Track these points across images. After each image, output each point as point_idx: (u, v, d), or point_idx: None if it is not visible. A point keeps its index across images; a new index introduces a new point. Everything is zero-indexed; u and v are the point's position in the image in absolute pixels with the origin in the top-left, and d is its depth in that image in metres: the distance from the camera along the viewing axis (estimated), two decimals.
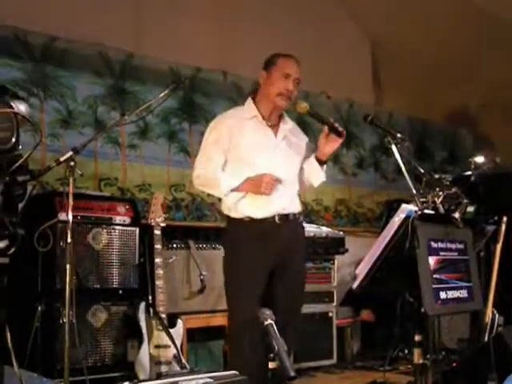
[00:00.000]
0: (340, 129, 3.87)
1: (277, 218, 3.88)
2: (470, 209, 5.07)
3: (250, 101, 4.04)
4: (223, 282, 4.03)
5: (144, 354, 4.67)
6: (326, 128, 3.91)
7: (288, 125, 4.09)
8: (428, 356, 4.24)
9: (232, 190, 3.85)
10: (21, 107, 2.87)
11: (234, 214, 3.93)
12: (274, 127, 4.00)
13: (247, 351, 3.76)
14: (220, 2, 6.90)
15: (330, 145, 3.94)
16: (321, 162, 4.00)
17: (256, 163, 3.88)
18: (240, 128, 3.90)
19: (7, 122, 2.77)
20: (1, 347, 3.25)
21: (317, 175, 4.07)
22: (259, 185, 3.76)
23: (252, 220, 3.87)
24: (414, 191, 3.97)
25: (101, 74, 5.97)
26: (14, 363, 3.15)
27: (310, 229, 6.13)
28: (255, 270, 3.82)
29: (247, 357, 3.74)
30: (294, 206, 4.01)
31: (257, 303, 3.80)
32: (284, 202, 3.92)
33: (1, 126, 2.74)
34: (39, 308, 4.57)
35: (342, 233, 6.35)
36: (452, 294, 4.04)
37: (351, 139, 7.98)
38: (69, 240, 3.70)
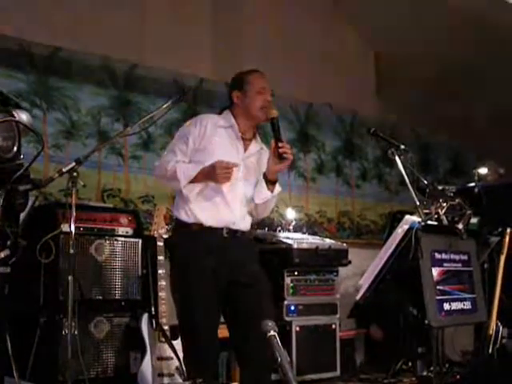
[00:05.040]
0: (284, 155, 3.74)
1: (224, 232, 3.82)
2: (474, 220, 5.07)
3: (228, 112, 4.00)
4: (171, 294, 3.98)
5: (147, 365, 4.65)
6: (273, 143, 3.83)
7: (258, 144, 4.04)
8: (432, 368, 4.22)
9: (190, 182, 3.81)
10: (22, 116, 2.87)
11: (183, 216, 3.85)
12: (247, 142, 3.98)
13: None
14: (223, 13, 6.92)
15: (275, 165, 3.81)
16: (268, 181, 3.87)
17: None
18: (213, 133, 3.87)
19: (9, 131, 2.77)
20: (2, 358, 3.24)
21: (259, 192, 3.89)
22: (214, 175, 3.71)
23: (200, 228, 3.80)
24: (418, 202, 3.96)
25: (104, 85, 5.98)
26: (15, 374, 3.14)
27: (313, 240, 6.12)
28: (205, 283, 3.74)
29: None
30: (244, 224, 3.93)
31: (209, 317, 3.79)
32: (235, 217, 3.85)
33: (2, 135, 2.74)
34: (41, 319, 4.57)
35: (345, 244, 6.32)
36: (456, 306, 4.03)
37: (354, 151, 7.99)
38: (71, 251, 3.69)
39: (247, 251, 3.97)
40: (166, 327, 4.74)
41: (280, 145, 3.76)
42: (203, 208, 3.82)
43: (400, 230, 3.86)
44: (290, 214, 6.87)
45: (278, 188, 3.93)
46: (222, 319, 3.95)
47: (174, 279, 3.97)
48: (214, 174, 3.70)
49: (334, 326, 6.01)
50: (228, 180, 3.74)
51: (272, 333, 2.86)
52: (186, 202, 3.84)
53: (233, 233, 3.86)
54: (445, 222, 4.28)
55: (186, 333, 3.92)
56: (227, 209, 3.84)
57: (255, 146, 4.02)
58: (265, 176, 3.86)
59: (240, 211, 3.89)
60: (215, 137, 3.87)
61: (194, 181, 3.78)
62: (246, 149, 3.95)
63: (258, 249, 4.20)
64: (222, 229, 3.82)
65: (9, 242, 2.89)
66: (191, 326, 3.81)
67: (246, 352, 3.84)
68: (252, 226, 4.09)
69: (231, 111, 3.99)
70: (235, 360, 4.86)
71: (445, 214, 4.27)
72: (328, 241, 6.29)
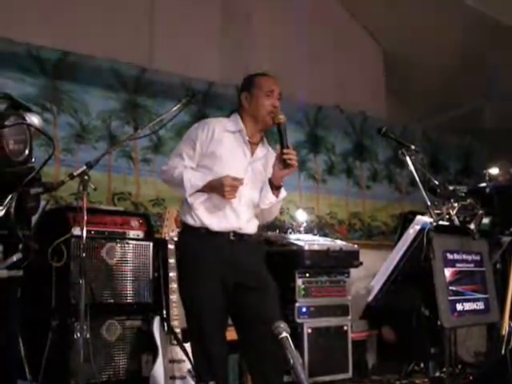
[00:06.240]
0: (288, 161, 3.74)
1: (231, 235, 3.82)
2: (486, 220, 5.04)
3: (237, 115, 3.98)
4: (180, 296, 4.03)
5: (158, 368, 4.65)
6: (278, 149, 3.81)
7: (265, 148, 4.03)
8: (444, 369, 4.20)
9: (197, 191, 3.81)
10: (34, 119, 2.88)
11: (190, 221, 3.86)
12: (253, 146, 3.97)
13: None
14: (232, 16, 6.92)
15: (280, 170, 3.80)
16: (273, 186, 3.85)
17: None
18: (220, 138, 3.86)
19: (20, 134, 2.77)
20: (15, 361, 3.25)
21: (264, 197, 3.88)
22: (221, 189, 3.71)
23: (207, 232, 3.81)
24: (429, 203, 3.95)
25: (114, 88, 5.99)
26: (28, 377, 3.15)
27: (325, 242, 6.11)
28: (212, 285, 3.75)
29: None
30: (251, 228, 3.93)
31: (217, 319, 3.78)
32: (241, 222, 3.85)
33: (14, 138, 2.75)
34: (53, 323, 4.57)
35: (356, 246, 6.31)
36: (468, 306, 4.02)
37: (365, 152, 7.98)
38: (83, 255, 3.69)
39: (254, 254, 3.97)
40: (177, 330, 4.73)
41: (285, 151, 3.74)
42: (209, 214, 3.83)
43: (412, 231, 3.85)
44: (301, 215, 6.86)
45: (283, 193, 3.92)
46: (231, 322, 3.95)
47: (181, 281, 3.98)
48: (221, 190, 3.71)
49: (345, 328, 5.99)
50: (234, 197, 3.75)
51: (284, 334, 2.86)
52: (192, 208, 3.85)
53: (239, 236, 3.86)
54: (456, 222, 4.27)
55: (194, 334, 3.91)
56: (233, 214, 3.83)
57: (262, 150, 4.00)
58: (270, 181, 3.85)
59: (246, 215, 3.89)
60: (222, 141, 3.86)
61: (199, 190, 3.80)
62: (252, 153, 3.95)
63: (265, 251, 4.19)
64: (228, 233, 3.83)
65: (21, 246, 2.89)
66: (198, 327, 3.80)
67: (254, 356, 3.84)
68: (262, 228, 4.08)
69: (239, 114, 3.98)
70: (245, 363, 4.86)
71: (456, 214, 4.26)
72: (339, 242, 6.28)
